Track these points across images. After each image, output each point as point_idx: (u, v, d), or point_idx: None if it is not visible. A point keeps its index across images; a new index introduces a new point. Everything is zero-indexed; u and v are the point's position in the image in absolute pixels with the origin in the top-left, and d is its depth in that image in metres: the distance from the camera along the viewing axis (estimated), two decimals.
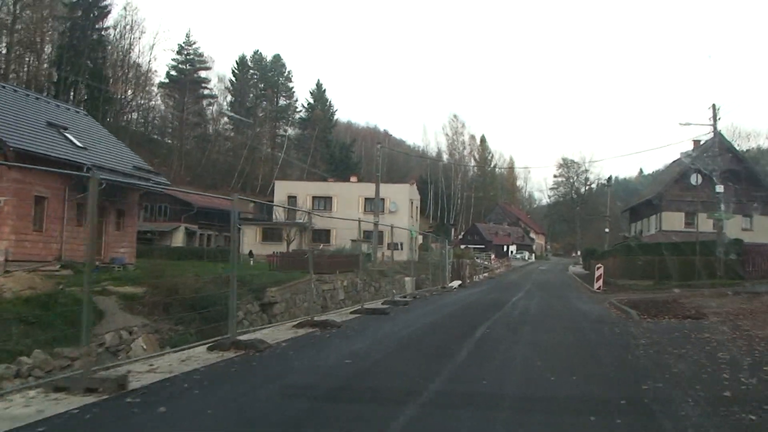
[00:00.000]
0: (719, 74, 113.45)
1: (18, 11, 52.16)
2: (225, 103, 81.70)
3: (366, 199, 46.47)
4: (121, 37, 65.12)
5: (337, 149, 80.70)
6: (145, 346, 14.73)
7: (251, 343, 7.55)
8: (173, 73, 75.52)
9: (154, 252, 36.07)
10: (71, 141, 24.47)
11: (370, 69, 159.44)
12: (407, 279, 26.70)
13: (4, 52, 52.90)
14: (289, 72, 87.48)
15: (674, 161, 47.97)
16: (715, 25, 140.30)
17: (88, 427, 4.37)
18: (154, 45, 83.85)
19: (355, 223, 16.65)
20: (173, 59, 75.74)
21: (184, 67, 75.94)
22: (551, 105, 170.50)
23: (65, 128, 25.13)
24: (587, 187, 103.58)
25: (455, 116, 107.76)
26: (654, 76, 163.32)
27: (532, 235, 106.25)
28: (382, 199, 43.21)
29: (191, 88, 75.02)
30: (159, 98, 75.15)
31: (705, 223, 32.32)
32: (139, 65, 67.85)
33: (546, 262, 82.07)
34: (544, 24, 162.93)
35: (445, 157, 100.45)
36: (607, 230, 59.71)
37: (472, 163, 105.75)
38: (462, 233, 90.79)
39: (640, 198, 53.19)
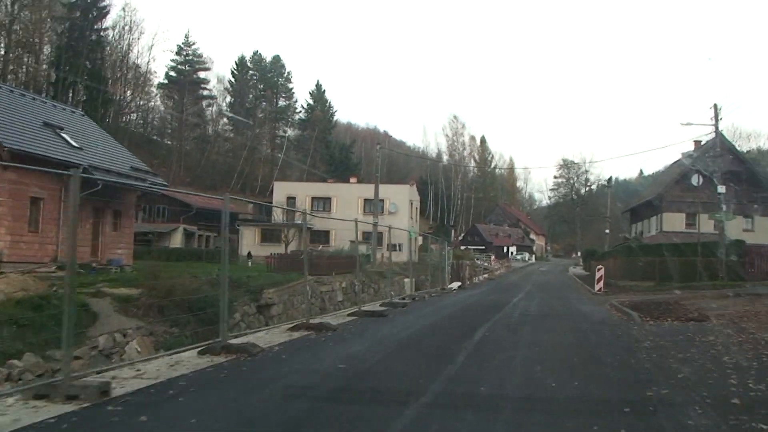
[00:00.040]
0: (720, 75, 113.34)
1: (16, 11, 51.97)
2: (224, 104, 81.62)
3: (365, 200, 46.27)
4: (120, 37, 65.02)
5: (337, 150, 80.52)
6: (139, 349, 14.50)
7: (243, 347, 7.33)
8: (172, 73, 75.37)
9: (152, 253, 35.90)
10: (67, 141, 24.28)
11: (370, 70, 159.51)
12: (406, 280, 26.48)
13: (2, 53, 52.71)
14: (288, 73, 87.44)
15: (675, 162, 47.78)
16: (716, 26, 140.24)
17: None
18: (152, 46, 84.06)
19: (354, 224, 16.43)
20: (172, 60, 75.69)
21: (183, 67, 75.80)
22: (551, 106, 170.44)
23: (61, 128, 24.94)
24: (587, 188, 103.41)
25: (455, 117, 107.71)
26: (654, 77, 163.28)
27: (532, 236, 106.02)
28: (382, 200, 43.00)
29: (190, 88, 74.85)
30: (158, 99, 75.12)
31: (706, 224, 32.15)
32: (138, 66, 67.78)
33: (546, 263, 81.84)
34: (545, 25, 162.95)
35: (445, 158, 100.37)
36: (607, 231, 59.48)
37: (472, 164, 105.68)
38: (462, 234, 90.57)
39: (641, 199, 53.00)
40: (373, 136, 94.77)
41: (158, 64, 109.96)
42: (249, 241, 45.19)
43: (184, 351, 7.43)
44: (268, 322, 18.51)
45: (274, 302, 19.82)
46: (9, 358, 11.66)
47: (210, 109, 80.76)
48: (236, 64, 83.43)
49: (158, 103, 75.13)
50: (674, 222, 40.97)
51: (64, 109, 29.45)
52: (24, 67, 56.46)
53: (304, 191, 50.12)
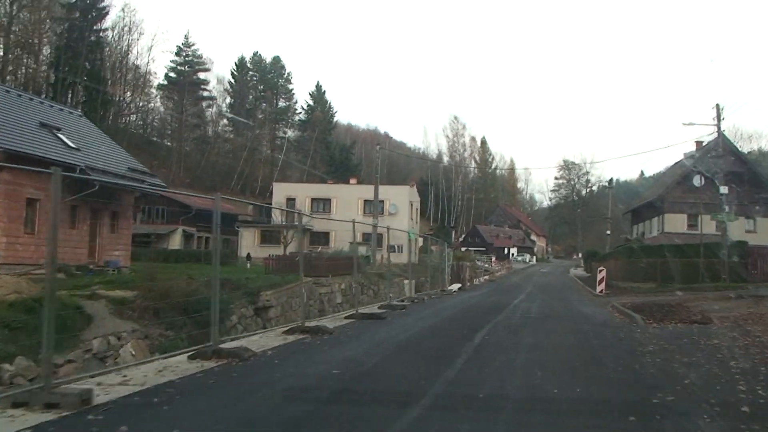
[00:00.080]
0: (721, 76, 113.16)
1: (15, 12, 51.84)
2: (224, 105, 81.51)
3: (365, 201, 46.06)
4: (119, 38, 64.91)
5: (337, 151, 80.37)
6: (134, 352, 14.29)
7: (235, 352, 7.11)
8: (172, 74, 75.27)
9: (150, 254, 35.70)
10: (64, 142, 24.10)
11: (370, 71, 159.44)
12: (406, 282, 26.26)
13: (1, 53, 52.57)
14: (288, 74, 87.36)
15: (676, 163, 47.54)
16: (716, 26, 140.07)
17: None
18: (152, 46, 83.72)
19: (356, 225, 16.21)
20: (172, 61, 75.64)
21: (183, 68, 75.70)
22: (552, 107, 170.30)
23: (58, 129, 24.76)
24: (588, 189, 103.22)
25: (456, 118, 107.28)
26: (655, 79, 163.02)
27: (533, 237, 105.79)
28: (382, 201, 42.77)
29: (190, 89, 74.76)
30: (158, 100, 75.00)
31: (708, 226, 31.95)
32: (137, 67, 67.66)
33: (547, 265, 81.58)
34: (545, 25, 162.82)
35: (445, 158, 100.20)
36: (608, 232, 59.22)
37: (473, 164, 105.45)
38: (463, 235, 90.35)
39: (642, 200, 52.75)
40: (374, 137, 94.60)
41: (158, 65, 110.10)
42: (248, 242, 45.01)
43: (174, 356, 7.20)
44: (266, 325, 18.29)
45: (272, 304, 19.59)
46: (0, 362, 11.46)
47: (210, 110, 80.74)
48: (236, 64, 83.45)
49: (158, 104, 75.12)
50: (676, 223, 40.73)
51: (62, 110, 29.26)
52: (23, 68, 56.34)
53: (303, 192, 49.92)
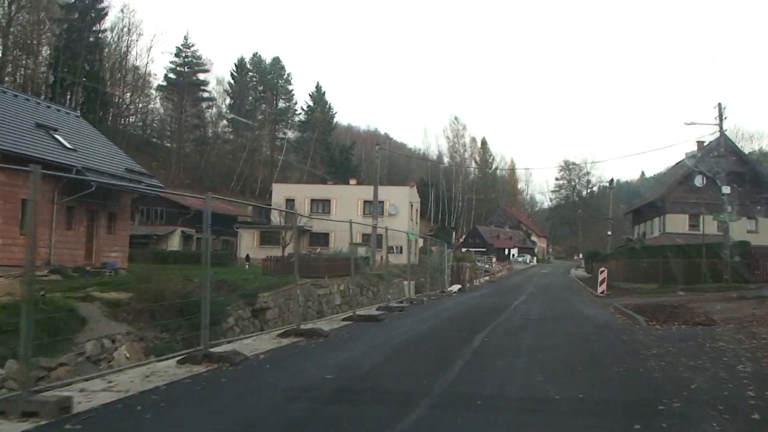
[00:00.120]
0: (722, 76, 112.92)
1: (14, 13, 51.68)
2: (224, 106, 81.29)
3: (365, 201, 45.86)
4: (118, 39, 64.74)
5: (337, 152, 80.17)
6: (128, 355, 14.07)
7: (225, 356, 6.89)
8: (171, 75, 75.09)
9: (149, 256, 35.50)
10: (60, 143, 23.91)
11: (370, 71, 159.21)
12: (405, 283, 26.03)
13: None
14: (288, 74, 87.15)
15: (678, 163, 47.32)
16: (717, 26, 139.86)
17: None
18: (151, 47, 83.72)
19: (355, 226, 15.99)
20: (171, 62, 75.43)
21: (183, 69, 75.50)
22: (552, 107, 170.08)
23: (55, 130, 24.57)
24: (589, 190, 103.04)
25: (456, 118, 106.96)
26: (656, 79, 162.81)
27: (534, 238, 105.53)
28: (381, 202, 42.56)
29: (190, 90, 74.56)
30: (158, 101, 74.82)
31: (709, 226, 31.77)
32: (137, 68, 67.49)
33: (548, 265, 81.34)
34: (546, 25, 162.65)
35: (446, 159, 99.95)
36: (609, 233, 58.99)
37: (473, 165, 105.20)
38: (463, 236, 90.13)
39: (643, 200, 52.55)
40: (374, 137, 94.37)
41: (157, 65, 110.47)
42: (248, 243, 44.82)
43: (164, 360, 6.98)
44: (264, 327, 18.07)
45: (270, 306, 19.36)
46: None
47: (209, 111, 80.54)
48: (236, 65, 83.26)
49: (157, 105, 74.95)
50: (677, 223, 40.52)
51: (59, 111, 29.07)
52: (22, 69, 56.17)
53: (303, 193, 49.74)
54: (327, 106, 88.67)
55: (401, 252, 36.12)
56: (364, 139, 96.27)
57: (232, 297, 18.29)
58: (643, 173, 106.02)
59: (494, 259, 67.64)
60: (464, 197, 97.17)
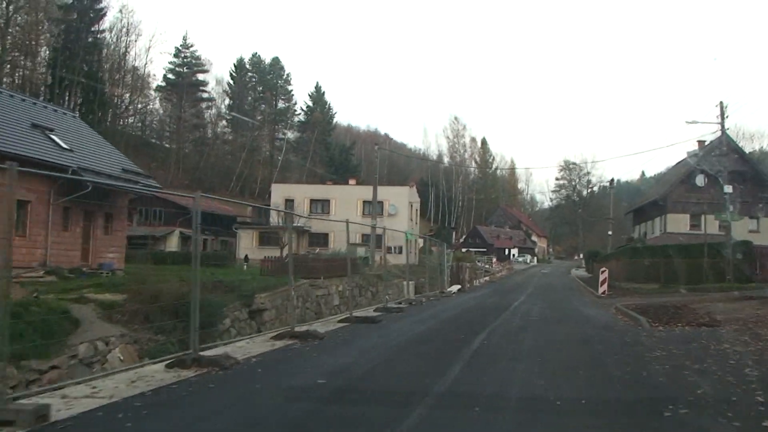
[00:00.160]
0: (723, 76, 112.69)
1: (11, 13, 51.49)
2: (223, 107, 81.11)
3: (365, 201, 45.67)
4: (117, 40, 64.53)
5: (337, 152, 79.97)
6: (122, 357, 13.86)
7: (215, 360, 6.67)
8: (170, 76, 74.90)
9: (146, 257, 35.27)
10: (56, 143, 23.71)
11: (370, 72, 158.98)
12: (404, 283, 25.81)
13: None
14: (287, 75, 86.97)
15: (679, 162, 47.13)
16: (717, 26, 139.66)
17: None
18: (150, 48, 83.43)
19: (354, 226, 15.78)
20: (170, 62, 75.27)
21: (182, 70, 75.33)
22: (553, 107, 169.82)
23: (51, 130, 24.37)
24: (589, 190, 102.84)
25: (456, 118, 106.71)
26: (656, 78, 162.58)
27: (534, 238, 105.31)
28: (381, 202, 42.36)
29: (189, 91, 74.37)
30: (157, 102, 74.62)
31: (711, 226, 31.57)
32: (136, 68, 67.29)
33: (548, 265, 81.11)
34: (546, 25, 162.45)
35: (446, 159, 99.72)
36: (610, 233, 58.79)
37: (473, 165, 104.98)
38: (463, 236, 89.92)
39: (644, 199, 52.33)
40: (374, 138, 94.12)
41: (156, 66, 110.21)
42: (246, 244, 44.62)
43: (151, 364, 6.76)
44: (260, 328, 17.86)
45: (267, 307, 19.15)
46: None
47: (209, 111, 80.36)
48: (235, 66, 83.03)
49: (157, 105, 74.75)
50: (678, 223, 40.29)
51: (56, 111, 28.87)
52: (20, 69, 55.98)
53: (302, 193, 49.55)
54: (326, 106, 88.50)
55: (401, 252, 35.92)
56: (363, 139, 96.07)
57: (229, 298, 18.08)
58: (643, 173, 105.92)
59: (494, 259, 67.41)
60: (464, 197, 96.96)
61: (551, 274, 54.90)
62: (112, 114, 62.89)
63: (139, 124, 72.52)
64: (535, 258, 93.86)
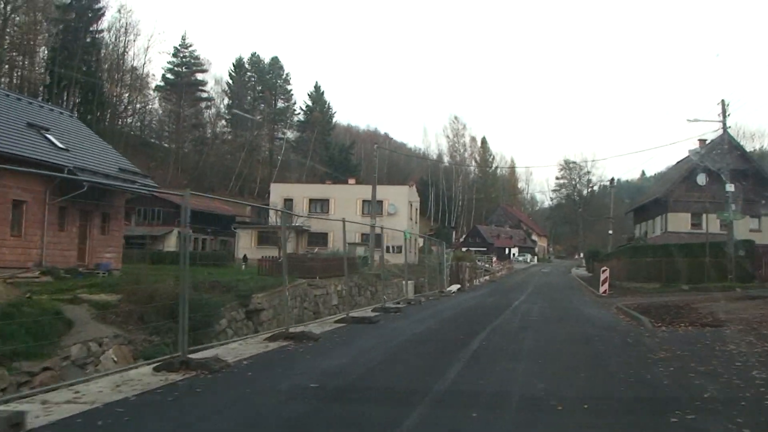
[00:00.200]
0: (723, 75, 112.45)
1: (9, 13, 51.27)
2: (222, 106, 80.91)
3: (364, 201, 45.47)
4: (115, 39, 64.33)
5: (337, 151, 79.77)
6: (116, 359, 13.65)
7: (205, 363, 6.45)
8: (169, 76, 74.70)
9: (145, 257, 35.08)
10: (52, 142, 23.50)
11: (369, 71, 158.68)
12: (404, 283, 25.59)
13: None
14: (287, 74, 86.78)
15: (680, 161, 46.88)
16: (716, 25, 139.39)
17: None
18: (148, 47, 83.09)
19: (353, 225, 15.59)
20: (169, 62, 75.08)
21: (181, 69, 75.12)
22: (553, 106, 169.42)
23: (47, 129, 24.17)
24: (590, 189, 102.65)
25: (456, 118, 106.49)
26: (656, 77, 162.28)
27: (534, 237, 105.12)
28: (380, 201, 42.15)
29: (188, 90, 74.17)
30: (156, 102, 74.39)
31: (712, 225, 31.37)
32: (135, 68, 67.10)
33: (548, 265, 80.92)
34: (545, 23, 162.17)
35: (446, 159, 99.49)
36: (610, 232, 58.59)
37: (473, 164, 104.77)
38: (464, 236, 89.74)
39: (645, 198, 52.12)
40: (374, 137, 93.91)
41: (154, 66, 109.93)
42: (245, 243, 44.45)
43: (138, 367, 6.55)
44: (258, 328, 17.67)
45: (264, 307, 18.95)
46: None
47: (208, 111, 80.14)
48: (234, 65, 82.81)
49: (156, 105, 74.54)
50: (679, 222, 40.07)
51: (52, 110, 28.65)
52: (19, 69, 55.77)
53: (301, 193, 49.39)
54: (326, 105, 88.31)
55: (400, 251, 35.72)
56: (363, 138, 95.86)
57: (226, 298, 17.88)
58: (643, 172, 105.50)
59: (494, 259, 67.24)
60: (464, 196, 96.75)
61: (551, 274, 54.71)
62: (111, 114, 62.71)
63: (138, 124, 72.35)
64: (536, 257, 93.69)
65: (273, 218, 41.63)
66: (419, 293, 24.76)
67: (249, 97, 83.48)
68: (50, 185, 21.85)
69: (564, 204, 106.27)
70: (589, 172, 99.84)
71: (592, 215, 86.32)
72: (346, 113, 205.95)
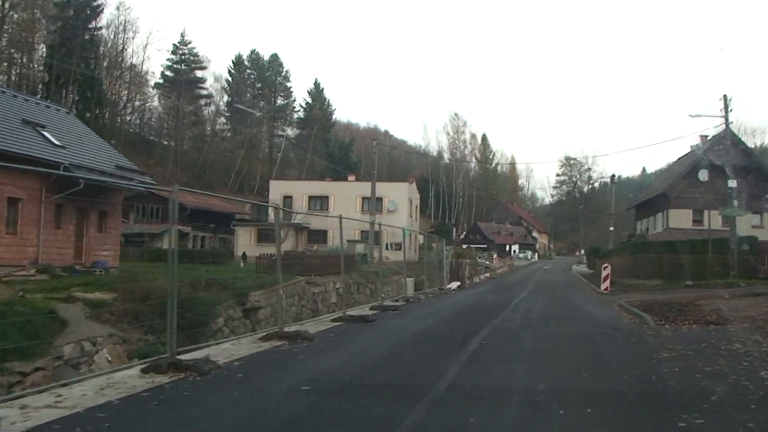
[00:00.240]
0: (724, 71, 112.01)
1: (7, 10, 50.99)
2: (222, 103, 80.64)
3: (364, 198, 45.27)
4: (114, 36, 64.04)
5: (336, 149, 79.53)
6: (110, 358, 13.45)
7: (194, 364, 6.23)
8: (168, 73, 74.42)
9: (142, 255, 34.85)
10: (48, 139, 23.28)
11: (369, 68, 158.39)
12: (403, 280, 25.39)
13: None
14: (286, 71, 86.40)
15: (681, 157, 46.65)
16: (716, 22, 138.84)
17: None
18: (147, 44, 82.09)
19: (352, 222, 15.37)
20: (168, 59, 74.73)
21: (180, 67, 74.81)
22: (553, 102, 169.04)
23: (43, 126, 23.95)
24: (590, 186, 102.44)
25: (456, 114, 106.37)
26: (657, 73, 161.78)
27: (535, 234, 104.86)
28: (380, 199, 41.94)
29: (187, 88, 73.86)
30: (156, 99, 74.12)
31: (713, 221, 31.17)
32: (133, 66, 66.84)
33: (549, 262, 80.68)
34: (546, 19, 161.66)
35: (446, 156, 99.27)
36: (611, 228, 58.36)
37: (474, 161, 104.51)
38: (464, 233, 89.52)
39: (647, 195, 51.86)
40: (373, 134, 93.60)
41: (154, 63, 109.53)
42: (244, 241, 44.27)
43: (125, 369, 6.33)
44: (255, 327, 17.46)
45: (262, 305, 18.73)
46: None
47: (207, 108, 79.88)
48: (233, 62, 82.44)
49: (155, 103, 74.27)
50: (681, 219, 39.82)
51: (48, 107, 28.43)
52: (17, 67, 55.51)
53: (301, 190, 49.18)
54: (326, 102, 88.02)
55: (400, 249, 35.52)
56: (363, 135, 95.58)
57: (223, 296, 17.66)
58: (644, 169, 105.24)
59: (495, 256, 66.94)
60: (465, 193, 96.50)
61: (552, 271, 54.50)
62: (110, 111, 62.45)
63: (138, 122, 72.08)
64: (536, 254, 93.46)
65: (272, 216, 41.45)
66: (419, 290, 24.56)
67: (248, 95, 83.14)
68: (46, 182, 21.63)
69: (565, 201, 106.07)
70: (589, 169, 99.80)
71: (593, 212, 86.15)
72: (346, 110, 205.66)
